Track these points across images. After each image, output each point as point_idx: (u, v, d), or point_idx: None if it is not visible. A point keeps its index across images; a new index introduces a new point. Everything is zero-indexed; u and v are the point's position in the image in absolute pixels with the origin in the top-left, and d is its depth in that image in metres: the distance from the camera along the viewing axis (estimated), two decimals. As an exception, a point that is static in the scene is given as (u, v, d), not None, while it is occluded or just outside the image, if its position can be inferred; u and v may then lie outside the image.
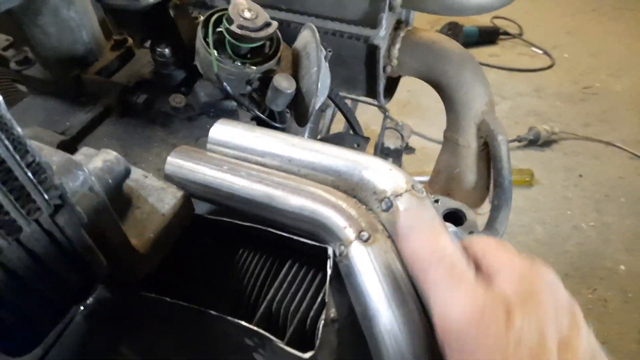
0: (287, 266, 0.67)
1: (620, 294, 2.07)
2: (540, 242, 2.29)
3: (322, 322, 0.52)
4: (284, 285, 0.65)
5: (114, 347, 0.60)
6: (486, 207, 1.09)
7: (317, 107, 0.84)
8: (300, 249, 0.66)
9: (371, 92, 1.15)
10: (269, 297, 0.64)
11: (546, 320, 0.43)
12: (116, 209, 0.58)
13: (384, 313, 0.49)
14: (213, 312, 0.55)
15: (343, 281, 0.61)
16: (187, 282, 0.69)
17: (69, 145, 0.82)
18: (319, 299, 0.63)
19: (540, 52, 3.86)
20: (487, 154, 1.10)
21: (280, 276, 0.66)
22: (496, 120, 1.06)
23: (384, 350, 0.49)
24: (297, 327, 0.62)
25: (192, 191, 0.65)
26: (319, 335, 0.50)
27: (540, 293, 0.45)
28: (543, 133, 2.76)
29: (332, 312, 0.54)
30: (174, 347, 0.58)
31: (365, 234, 0.53)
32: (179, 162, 0.64)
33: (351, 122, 1.09)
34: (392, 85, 1.21)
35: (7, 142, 0.37)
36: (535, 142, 2.83)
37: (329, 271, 0.57)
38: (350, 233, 0.54)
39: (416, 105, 3.06)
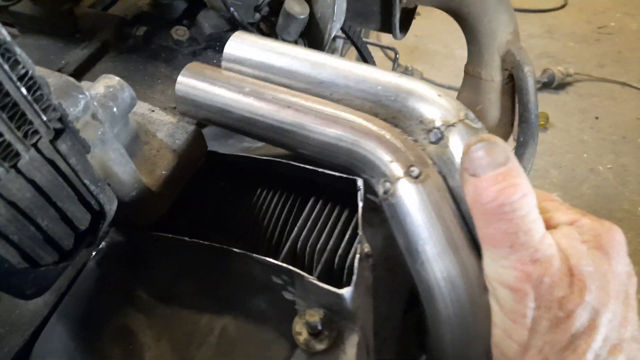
0: (310, 202, 0.62)
1: (638, 235, 2.04)
2: (556, 186, 2.24)
3: (357, 256, 0.47)
4: (309, 223, 0.60)
5: (130, 293, 0.56)
6: (510, 144, 1.03)
7: (333, 34, 0.77)
8: (324, 182, 0.61)
9: (385, 25, 1.07)
10: (292, 235, 0.60)
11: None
12: (124, 144, 0.53)
13: (440, 259, 0.44)
14: (236, 250, 0.51)
15: (374, 215, 0.56)
16: (202, 225, 0.65)
17: (67, 84, 0.76)
18: (347, 235, 0.58)
19: (553, -9, 3.68)
20: (512, 87, 1.03)
21: (304, 213, 0.61)
22: (522, 50, 0.99)
23: (438, 296, 0.45)
24: (325, 265, 0.58)
25: (207, 116, 0.59)
26: (355, 271, 0.46)
27: (609, 252, 0.41)
28: (558, 75, 2.65)
29: (367, 247, 0.49)
30: (194, 290, 0.54)
31: (415, 170, 0.48)
32: (192, 83, 0.58)
33: (364, 56, 1.02)
34: (407, 18, 1.12)
35: (-9, 47, 0.31)
36: (550, 84, 2.72)
37: (360, 204, 0.52)
38: (397, 168, 0.49)
39: (424, 51, 2.95)
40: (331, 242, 0.59)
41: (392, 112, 0.54)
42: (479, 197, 0.42)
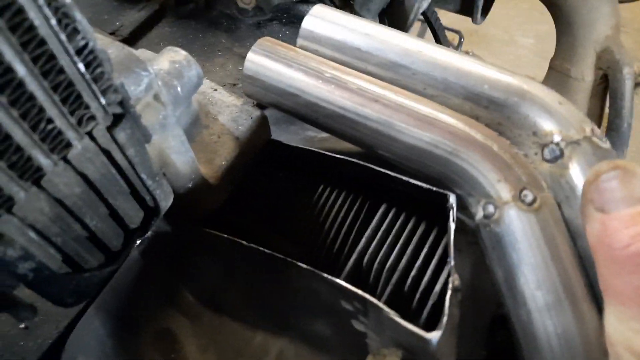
0: (381, 210, 0.54)
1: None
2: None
3: (449, 292, 0.39)
4: (379, 234, 0.53)
5: (175, 292, 0.50)
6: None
7: (419, 14, 0.67)
8: (401, 190, 0.53)
9: (466, 8, 0.96)
10: (359, 247, 0.53)
11: None
12: (184, 128, 0.46)
13: (554, 311, 0.36)
14: (302, 265, 0.44)
15: (461, 236, 0.48)
16: (256, 220, 0.58)
17: (121, 48, 0.69)
18: (422, 254, 0.51)
19: (627, -18, 3.40)
20: (604, 90, 0.91)
21: (374, 222, 0.54)
22: (623, 48, 0.87)
23: (547, 354, 0.36)
24: (395, 287, 0.50)
25: (277, 101, 0.51)
26: (447, 310, 0.38)
27: None
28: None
29: (456, 279, 0.42)
30: (247, 301, 0.48)
31: (528, 195, 0.39)
32: (263, 61, 0.50)
33: (441, 42, 0.91)
34: (488, 1, 1.01)
35: (47, 11, 0.24)
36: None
37: (451, 225, 0.44)
38: (505, 190, 0.40)
39: (483, 36, 2.77)
40: (403, 261, 0.51)
41: (497, 118, 0.46)
42: (607, 240, 0.33)
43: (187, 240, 0.52)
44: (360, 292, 0.40)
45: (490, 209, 0.41)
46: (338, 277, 0.49)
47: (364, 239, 0.53)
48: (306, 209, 0.58)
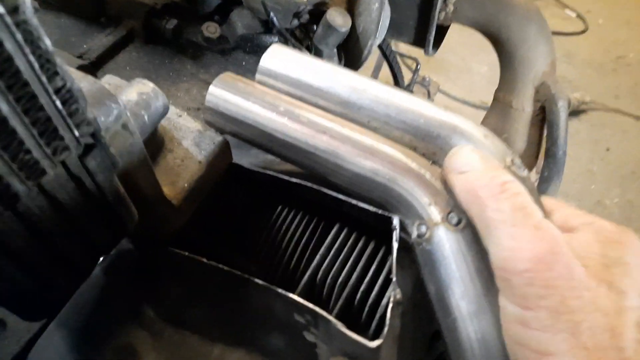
0: (334, 230, 0.59)
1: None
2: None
3: (391, 305, 0.44)
4: (332, 252, 0.57)
5: (136, 309, 0.52)
6: (533, 177, 1.00)
7: (372, 50, 0.73)
8: (351, 214, 0.58)
9: (419, 40, 1.03)
10: (313, 264, 0.57)
11: (629, 296, 0.37)
12: (149, 152, 0.49)
13: (475, 318, 0.41)
14: (258, 281, 0.47)
15: (405, 255, 0.53)
16: (217, 240, 0.61)
17: (88, 72, 0.72)
18: (370, 271, 0.55)
19: (574, 15, 3.64)
20: (541, 120, 1.00)
21: (327, 240, 0.58)
22: (558, 83, 0.96)
23: (469, 357, 0.41)
24: (345, 301, 0.55)
25: (235, 131, 0.55)
26: (388, 321, 0.42)
27: (628, 264, 0.38)
28: (573, 102, 2.62)
29: (398, 293, 0.46)
30: (206, 316, 0.51)
31: (454, 217, 0.44)
32: (223, 95, 0.54)
33: (396, 75, 0.98)
34: (440, 34, 1.09)
35: (32, 58, 0.27)
36: (562, 110, 2.70)
37: (395, 245, 0.49)
38: (435, 212, 0.45)
39: (441, 62, 2.90)
40: (354, 277, 0.55)
41: (432, 148, 0.51)
42: (471, 185, 0.42)
43: (150, 258, 0.55)
44: (310, 305, 0.44)
45: (423, 229, 0.46)
46: (294, 291, 0.53)
47: (317, 257, 0.57)
48: (265, 228, 0.62)
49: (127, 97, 0.45)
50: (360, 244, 0.58)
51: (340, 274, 0.56)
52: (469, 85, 2.79)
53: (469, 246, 0.44)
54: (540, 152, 1.01)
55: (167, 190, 0.52)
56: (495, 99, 1.04)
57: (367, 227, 0.58)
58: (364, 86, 0.52)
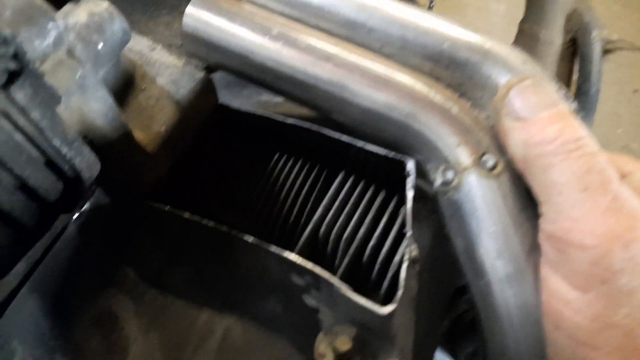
0: (339, 178, 0.51)
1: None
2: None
3: (405, 265, 0.37)
4: (336, 203, 0.50)
5: (116, 270, 0.46)
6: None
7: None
8: (357, 159, 0.50)
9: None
10: (315, 217, 0.49)
11: None
12: (113, 90, 0.41)
13: (515, 282, 0.34)
14: (249, 238, 0.40)
15: (421, 205, 0.45)
16: (204, 194, 0.54)
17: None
18: (381, 224, 0.48)
19: (600, -55, 3.38)
20: (572, 53, 0.89)
21: (331, 191, 0.51)
22: (592, 11, 0.84)
23: (507, 327, 0.34)
24: (352, 258, 0.48)
25: (220, 61, 0.46)
26: (402, 283, 0.35)
27: None
28: (598, 40, 2.45)
29: (414, 250, 0.39)
30: (192, 278, 0.45)
31: (489, 159, 0.36)
32: (204, 16, 0.45)
33: None
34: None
35: None
36: (586, 50, 2.53)
37: (409, 194, 0.41)
38: (465, 154, 0.37)
39: (457, 1, 2.72)
40: (361, 231, 0.48)
41: (459, 79, 0.42)
42: (534, 140, 0.34)
43: (129, 214, 0.48)
44: (309, 265, 0.38)
45: (449, 175, 0.38)
46: (293, 249, 0.46)
47: (320, 209, 0.50)
48: (260, 178, 0.54)
49: (75, 18, 0.36)
50: (368, 194, 0.50)
51: (345, 228, 0.48)
52: (487, 26, 2.61)
53: (507, 195, 0.36)
54: (571, 90, 0.90)
55: (139, 135, 0.44)
56: (520, 31, 0.93)
57: (377, 174, 0.50)
58: (374, 3, 0.43)
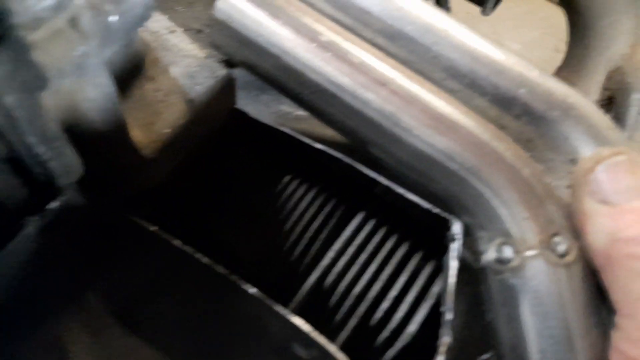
0: (358, 220, 0.44)
1: None
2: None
3: (440, 353, 0.30)
4: (349, 250, 0.43)
5: (78, 291, 0.38)
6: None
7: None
8: (389, 202, 0.43)
9: (477, -4, 0.86)
10: (323, 263, 0.42)
11: None
12: (117, 76, 0.33)
13: None
14: (249, 289, 0.33)
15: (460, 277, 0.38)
16: (203, 205, 0.46)
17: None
18: (399, 284, 0.41)
19: None
20: (606, 113, 0.84)
21: (346, 234, 0.43)
22: (638, 71, 0.79)
23: None
24: (361, 320, 0.40)
25: (251, 61, 0.39)
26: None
27: None
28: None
29: (447, 337, 0.32)
30: (166, 320, 0.36)
31: (561, 243, 0.30)
32: (241, 4, 0.37)
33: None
34: (500, -6, 0.91)
35: None
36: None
37: (452, 265, 0.34)
38: (532, 231, 0.31)
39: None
40: (376, 288, 0.41)
41: (528, 133, 0.36)
42: (624, 236, 0.27)
43: (107, 223, 0.40)
44: (320, 340, 0.30)
45: (508, 252, 0.31)
46: (293, 295, 0.39)
47: (331, 253, 0.43)
48: (267, 201, 0.47)
49: (86, -22, 0.28)
50: (390, 244, 0.43)
51: (357, 282, 0.41)
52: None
53: (577, 292, 0.29)
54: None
55: (138, 133, 0.36)
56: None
57: (403, 222, 0.43)
58: (445, 25, 0.36)
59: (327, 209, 0.45)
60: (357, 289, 0.41)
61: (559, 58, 0.90)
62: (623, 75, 0.80)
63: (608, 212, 0.28)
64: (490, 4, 0.84)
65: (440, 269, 0.42)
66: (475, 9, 0.92)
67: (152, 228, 0.36)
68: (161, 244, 0.36)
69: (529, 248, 0.31)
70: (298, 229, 0.45)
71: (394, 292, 0.41)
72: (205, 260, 0.34)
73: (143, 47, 0.38)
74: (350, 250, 0.43)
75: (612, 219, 0.28)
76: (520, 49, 2.71)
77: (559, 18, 0.88)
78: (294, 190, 0.47)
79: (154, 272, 0.37)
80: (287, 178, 0.48)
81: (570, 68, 0.86)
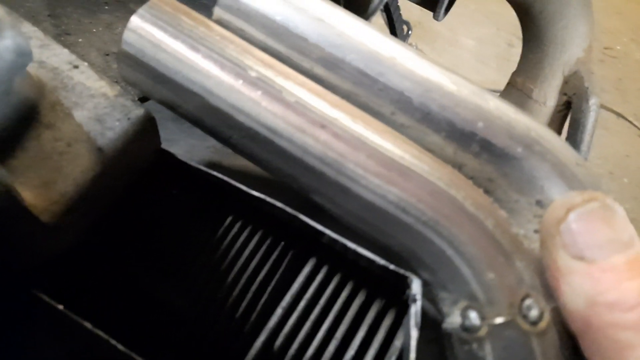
0: (309, 268, 0.39)
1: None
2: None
3: None
4: (301, 303, 0.38)
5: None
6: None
7: (384, 1, 0.52)
8: (345, 256, 0.38)
9: (429, 2, 0.82)
10: (272, 322, 0.37)
11: None
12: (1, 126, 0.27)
13: None
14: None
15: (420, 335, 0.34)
16: (134, 260, 0.40)
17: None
18: (357, 340, 0.36)
19: None
20: (563, 117, 0.82)
21: (295, 287, 0.38)
22: (593, 76, 0.77)
23: None
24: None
25: (170, 101, 0.33)
26: None
27: None
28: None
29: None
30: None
31: (533, 307, 0.26)
32: (155, 35, 0.31)
33: (395, 27, 0.78)
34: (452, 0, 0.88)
35: None
36: (545, 98, 2.57)
37: (413, 333, 0.30)
38: (501, 294, 0.27)
39: (428, 29, 2.67)
40: (331, 348, 0.36)
41: (489, 172, 0.32)
42: (603, 299, 0.24)
43: (8, 301, 0.33)
44: None
45: (474, 319, 0.27)
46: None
47: (279, 310, 0.38)
48: (205, 248, 0.41)
49: None
50: (344, 294, 0.39)
51: (309, 343, 0.36)
52: (454, 59, 2.60)
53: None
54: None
55: (32, 196, 0.30)
56: (510, 83, 0.85)
57: (358, 271, 0.38)
58: (392, 52, 0.31)
59: (274, 255, 0.40)
60: (310, 351, 0.36)
61: (513, 52, 0.87)
62: (580, 80, 0.78)
63: (585, 269, 0.25)
64: (442, 9, 0.80)
65: (402, 317, 0.38)
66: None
67: (58, 306, 0.30)
68: (71, 322, 0.30)
69: (497, 315, 0.27)
70: (242, 280, 0.40)
71: (351, 352, 0.36)
72: (120, 346, 0.28)
73: (36, 90, 0.32)
74: (302, 304, 0.38)
75: (590, 278, 0.25)
76: (475, 45, 2.73)
77: (511, 14, 0.85)
78: (237, 235, 0.42)
79: (62, 352, 0.31)
80: (228, 220, 0.42)
81: (526, 73, 0.84)
